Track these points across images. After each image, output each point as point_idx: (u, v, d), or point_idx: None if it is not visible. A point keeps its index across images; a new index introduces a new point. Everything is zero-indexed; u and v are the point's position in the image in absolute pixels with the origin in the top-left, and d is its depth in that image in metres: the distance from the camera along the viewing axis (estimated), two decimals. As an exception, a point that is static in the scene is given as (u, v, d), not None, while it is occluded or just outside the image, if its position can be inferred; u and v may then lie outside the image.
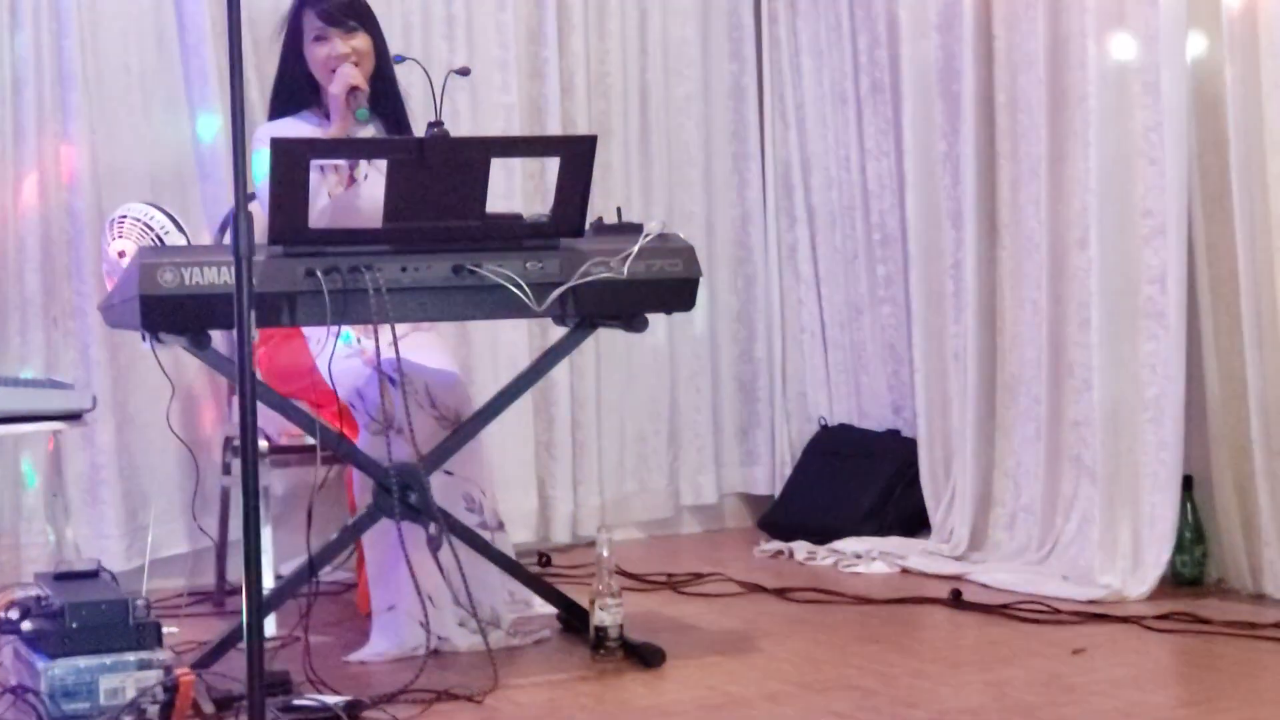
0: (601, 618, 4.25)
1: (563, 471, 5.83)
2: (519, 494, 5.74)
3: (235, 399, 4.73)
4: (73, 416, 4.53)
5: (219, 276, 3.82)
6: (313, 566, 4.05)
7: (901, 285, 5.76)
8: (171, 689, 3.62)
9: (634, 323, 4.27)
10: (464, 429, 4.34)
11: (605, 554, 4.26)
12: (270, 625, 4.50)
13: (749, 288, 6.22)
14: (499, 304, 4.04)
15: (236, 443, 4.84)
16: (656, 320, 5.84)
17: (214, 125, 5.32)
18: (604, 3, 5.92)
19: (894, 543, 5.48)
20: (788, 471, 6.09)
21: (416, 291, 3.98)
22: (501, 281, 3.98)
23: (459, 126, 5.59)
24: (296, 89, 4.85)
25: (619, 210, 4.45)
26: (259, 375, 4.75)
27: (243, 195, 2.91)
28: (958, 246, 5.44)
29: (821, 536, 5.60)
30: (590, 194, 4.10)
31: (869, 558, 5.37)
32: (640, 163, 6.00)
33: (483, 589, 4.41)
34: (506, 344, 5.65)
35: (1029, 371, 5.22)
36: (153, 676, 3.67)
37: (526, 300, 4.00)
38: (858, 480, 5.74)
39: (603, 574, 4.26)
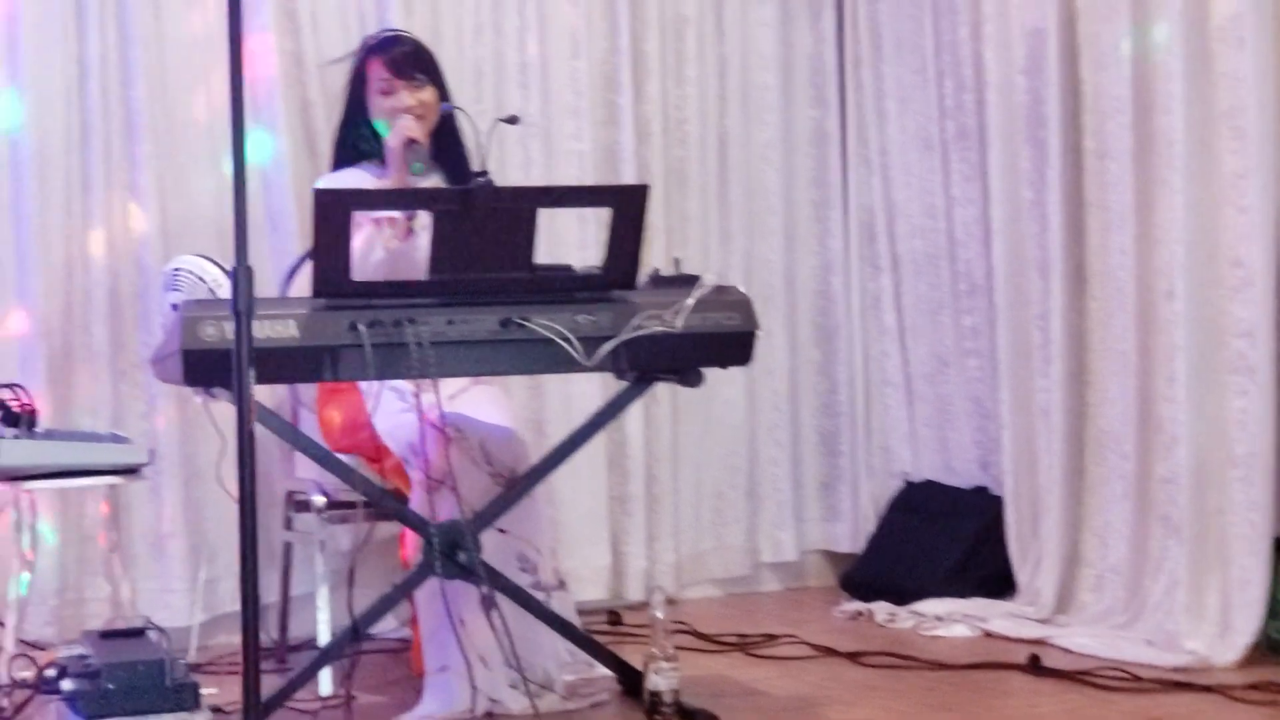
0: (656, 682, 4.11)
1: (636, 527, 5.69)
2: (590, 549, 5.61)
3: (296, 454, 4.66)
4: (129, 471, 4.49)
5: (261, 330, 3.72)
6: (356, 629, 3.94)
7: (988, 336, 5.58)
8: (206, 751, 3.55)
9: (689, 377, 4.14)
10: (516, 486, 4.22)
11: (659, 615, 4.13)
12: (325, 684, 4.41)
13: (830, 339, 6.07)
14: (548, 358, 3.92)
15: (298, 497, 4.77)
16: (735, 372, 5.76)
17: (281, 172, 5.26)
18: (682, 49, 5.80)
19: (977, 604, 5.29)
20: (871, 528, 5.91)
21: (463, 345, 3.87)
22: (550, 335, 3.87)
23: (531, 174, 5.52)
24: (359, 139, 4.77)
25: (677, 261, 4.32)
26: (318, 429, 4.71)
27: (243, 249, 2.81)
28: (1045, 296, 5.26)
29: (903, 597, 5.42)
30: (643, 245, 3.96)
31: (950, 620, 5.19)
32: (719, 211, 5.87)
33: (536, 651, 4.29)
34: (580, 397, 5.52)
35: (1117, 426, 5.04)
36: (189, 739, 3.60)
37: (575, 354, 3.89)
38: (941, 539, 5.56)
39: (657, 636, 4.13)
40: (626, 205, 3.92)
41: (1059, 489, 5.19)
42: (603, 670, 4.46)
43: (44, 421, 4.84)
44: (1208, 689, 4.27)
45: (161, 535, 5.15)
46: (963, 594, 5.38)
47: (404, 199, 4.34)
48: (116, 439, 4.50)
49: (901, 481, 5.91)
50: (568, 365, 3.93)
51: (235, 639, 5.09)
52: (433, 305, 3.85)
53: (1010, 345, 5.39)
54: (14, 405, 4.41)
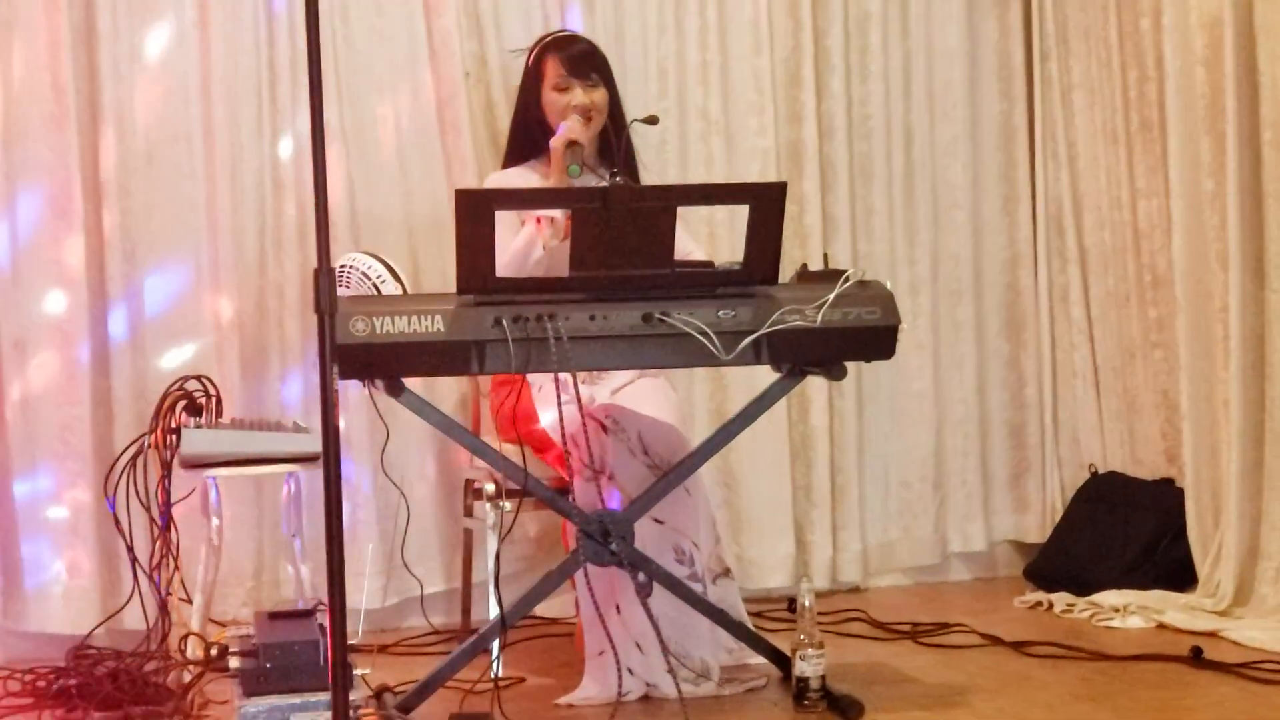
0: (803, 668, 4.20)
1: (821, 516, 5.75)
2: (774, 538, 5.70)
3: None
4: (310, 459, 4.69)
5: (409, 325, 3.90)
6: (504, 617, 4.09)
7: (1173, 329, 5.55)
8: (356, 730, 3.70)
9: (832, 370, 4.21)
10: (669, 477, 4.33)
11: (807, 603, 4.22)
12: (497, 666, 4.57)
13: (1019, 332, 6.07)
14: (689, 353, 4.03)
15: (476, 485, 4.92)
16: (922, 365, 5.85)
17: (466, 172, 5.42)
18: (866, 46, 5.84)
19: (1155, 596, 5.27)
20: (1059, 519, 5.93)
21: (604, 340, 3.99)
22: (690, 330, 3.98)
23: (714, 171, 5.62)
24: (531, 135, 4.91)
25: (825, 256, 4.39)
26: (493, 420, 4.88)
27: (325, 252, 2.93)
28: (1226, 289, 5.22)
29: (1084, 588, 5.42)
30: (781, 240, 4.05)
31: (1126, 612, 5.18)
32: (904, 205, 5.90)
33: (693, 638, 4.41)
34: (763, 388, 5.59)
35: (1298, 420, 5.00)
36: (342, 717, 3.75)
37: (715, 349, 3.98)
38: (1124, 531, 5.55)
39: (804, 624, 4.22)
40: (764, 202, 4.00)
41: (1238, 481, 5.14)
42: (761, 657, 4.55)
43: (237, 412, 5.10)
44: (1369, 684, 4.24)
45: (354, 521, 5.33)
46: (1143, 585, 5.37)
47: (545, 198, 4.47)
48: (298, 429, 4.71)
49: (1088, 473, 5.90)
50: (708, 360, 4.03)
51: (423, 622, 5.34)
52: (575, 301, 3.98)
53: (1191, 338, 5.36)
54: (199, 397, 4.65)
